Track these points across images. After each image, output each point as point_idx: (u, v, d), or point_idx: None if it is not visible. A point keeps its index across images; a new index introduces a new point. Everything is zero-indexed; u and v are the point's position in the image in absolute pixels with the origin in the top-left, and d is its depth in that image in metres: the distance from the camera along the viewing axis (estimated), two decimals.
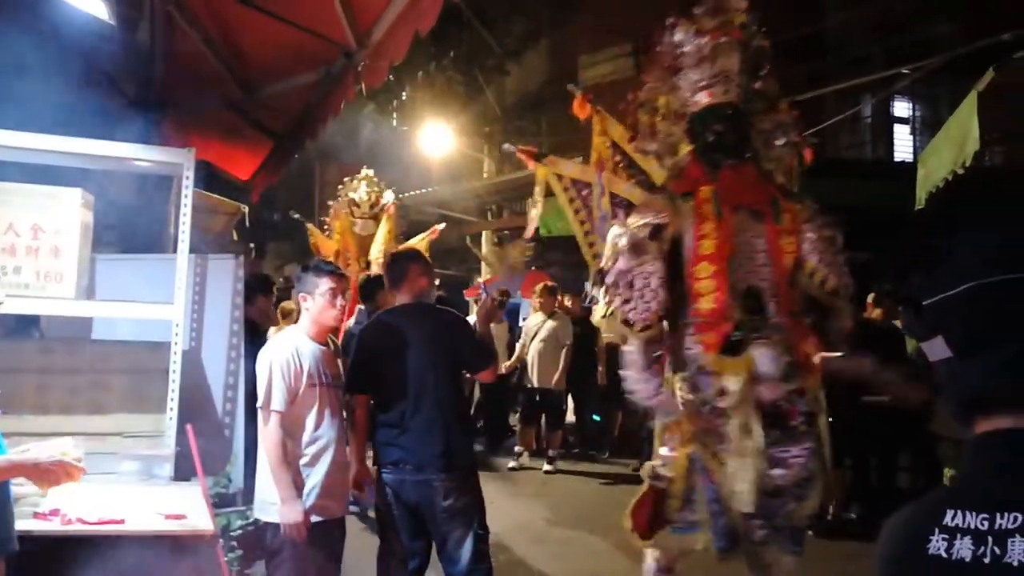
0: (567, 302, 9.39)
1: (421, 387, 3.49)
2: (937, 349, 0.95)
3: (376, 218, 7.44)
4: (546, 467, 8.13)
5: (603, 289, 3.21)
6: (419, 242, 7.48)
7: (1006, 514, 0.85)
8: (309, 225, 7.73)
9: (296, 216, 8.72)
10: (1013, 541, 0.84)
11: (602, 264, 3.25)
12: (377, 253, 7.09)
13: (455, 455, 3.50)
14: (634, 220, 3.25)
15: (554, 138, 14.09)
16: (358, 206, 7.43)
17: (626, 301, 3.12)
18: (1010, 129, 4.73)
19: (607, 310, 3.20)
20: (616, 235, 3.21)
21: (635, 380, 3.32)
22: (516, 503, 6.88)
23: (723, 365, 3.06)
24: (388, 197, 7.58)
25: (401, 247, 7.02)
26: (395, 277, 3.75)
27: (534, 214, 4.05)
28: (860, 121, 13.42)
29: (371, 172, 7.72)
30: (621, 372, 3.39)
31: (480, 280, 13.84)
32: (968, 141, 4.36)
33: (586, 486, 7.63)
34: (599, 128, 3.69)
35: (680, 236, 3.20)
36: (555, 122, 14.48)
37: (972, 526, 0.87)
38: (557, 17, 13.40)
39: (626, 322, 3.14)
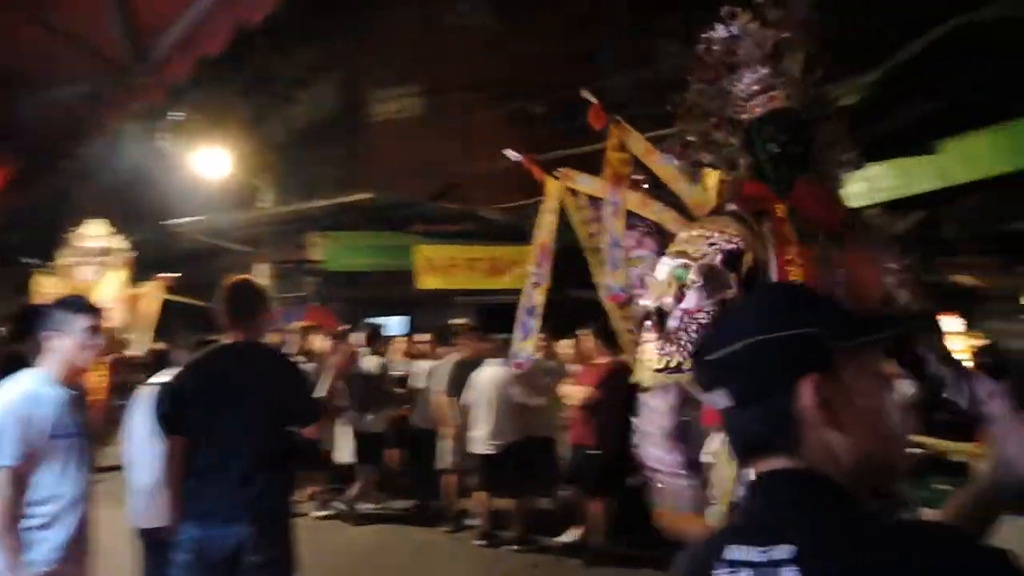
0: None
1: (233, 433, 3.21)
2: (721, 399, 1.05)
3: (107, 264, 7.09)
4: (328, 511, 7.81)
5: (659, 337, 2.52)
6: (149, 290, 7.34)
7: (780, 546, 0.92)
8: (35, 272, 7.12)
9: (27, 261, 7.96)
10: (786, 571, 0.91)
11: (651, 303, 2.56)
12: (107, 300, 6.72)
13: (266, 506, 3.24)
14: (691, 247, 2.60)
15: (340, 171, 13.86)
16: (89, 252, 7.08)
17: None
18: None
19: (667, 363, 2.48)
20: (673, 266, 2.55)
21: (657, 448, 2.60)
22: (319, 554, 6.51)
23: None
24: (121, 244, 7.29)
25: (129, 293, 6.96)
26: (242, 310, 3.42)
27: (546, 230, 3.30)
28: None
29: (103, 220, 7.38)
30: (635, 438, 2.63)
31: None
32: None
33: (379, 530, 7.42)
34: (616, 142, 3.11)
35: (762, 265, 2.58)
36: (340, 155, 14.26)
37: (751, 559, 0.95)
38: (348, 52, 13.27)
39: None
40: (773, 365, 1.00)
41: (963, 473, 3.95)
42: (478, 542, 6.84)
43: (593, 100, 3.13)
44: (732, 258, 2.51)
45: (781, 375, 1.00)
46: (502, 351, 6.94)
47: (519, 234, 10.40)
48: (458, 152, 11.83)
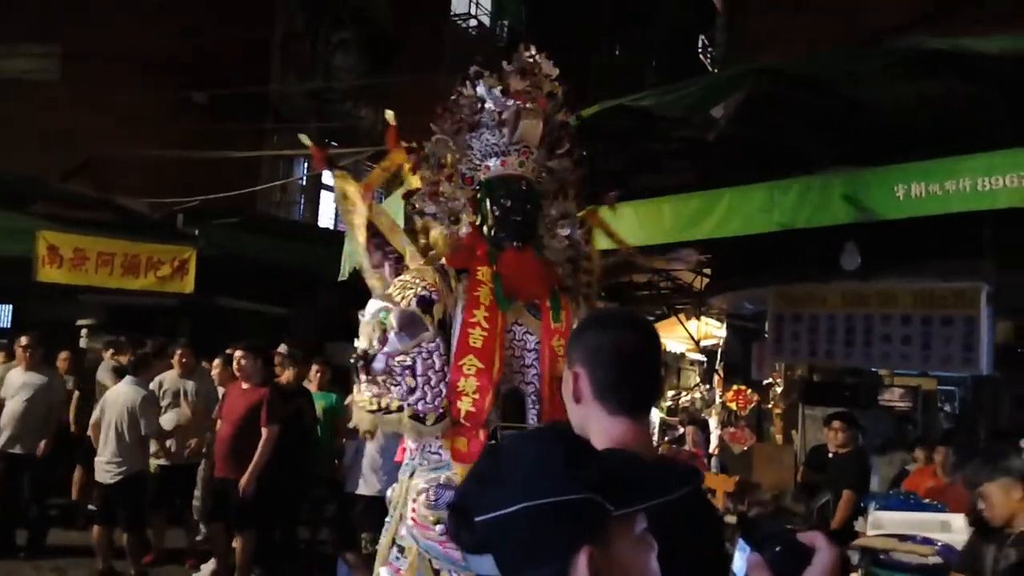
0: None
1: None
2: (486, 566, 0.93)
3: None
4: None
5: (368, 378, 2.56)
6: None
7: None
8: None
9: None
10: None
11: (363, 347, 2.58)
12: None
13: None
14: (395, 291, 2.65)
15: None
16: None
17: (411, 391, 2.53)
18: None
19: (379, 404, 2.53)
20: (376, 310, 2.59)
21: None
22: None
23: None
24: None
25: None
26: None
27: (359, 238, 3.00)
28: (295, 184, 14.17)
29: None
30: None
31: None
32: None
33: None
34: (388, 163, 3.05)
35: (449, 319, 2.68)
36: None
37: None
38: None
39: (416, 417, 2.52)
40: (549, 534, 0.91)
41: None
42: None
43: (392, 123, 3.02)
44: (425, 303, 2.62)
45: (556, 545, 0.91)
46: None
47: (165, 232, 9.43)
48: (101, 131, 10.49)
